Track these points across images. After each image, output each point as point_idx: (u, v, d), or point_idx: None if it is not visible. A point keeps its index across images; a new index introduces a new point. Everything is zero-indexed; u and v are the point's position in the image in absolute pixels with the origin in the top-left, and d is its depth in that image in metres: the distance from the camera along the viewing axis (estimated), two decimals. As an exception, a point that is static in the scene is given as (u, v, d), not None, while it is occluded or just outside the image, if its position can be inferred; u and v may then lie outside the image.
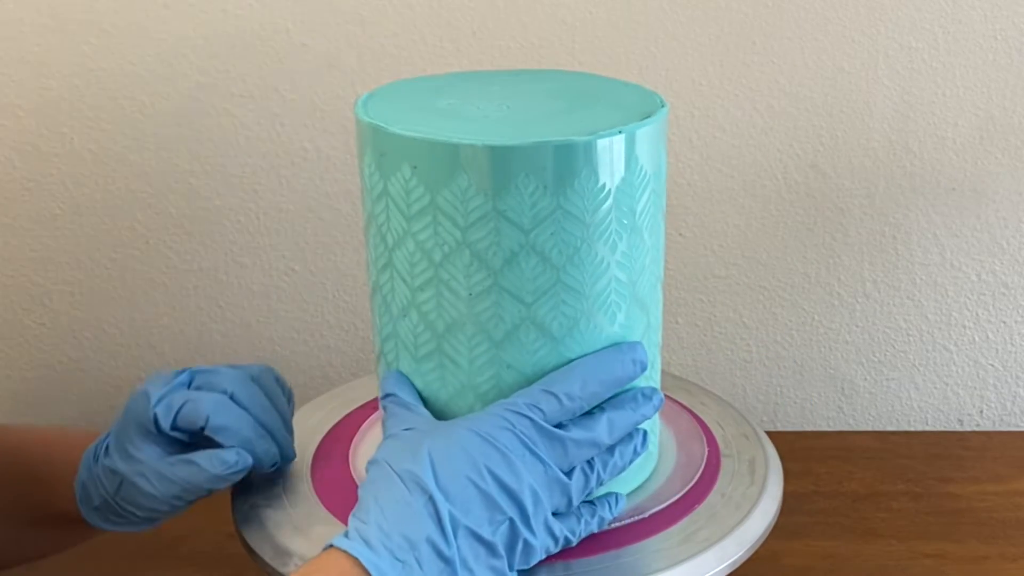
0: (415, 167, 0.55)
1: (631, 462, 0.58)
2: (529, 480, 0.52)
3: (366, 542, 0.50)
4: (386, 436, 0.57)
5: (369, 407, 0.72)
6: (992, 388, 1.03)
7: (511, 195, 0.55)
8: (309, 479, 0.65)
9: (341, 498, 0.63)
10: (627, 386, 0.58)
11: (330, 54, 0.93)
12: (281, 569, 0.59)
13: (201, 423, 0.60)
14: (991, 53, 0.93)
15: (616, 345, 0.58)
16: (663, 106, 0.59)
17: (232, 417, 0.60)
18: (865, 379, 1.03)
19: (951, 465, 0.93)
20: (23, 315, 1.00)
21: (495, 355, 0.58)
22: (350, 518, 0.52)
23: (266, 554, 0.60)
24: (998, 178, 0.96)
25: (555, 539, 0.54)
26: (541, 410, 0.54)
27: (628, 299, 0.59)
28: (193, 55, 0.93)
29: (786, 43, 0.92)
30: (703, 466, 0.66)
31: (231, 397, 0.61)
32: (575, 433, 0.55)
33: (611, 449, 0.57)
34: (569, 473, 0.55)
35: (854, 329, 1.01)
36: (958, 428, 1.04)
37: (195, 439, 0.61)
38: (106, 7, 0.91)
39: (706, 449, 0.67)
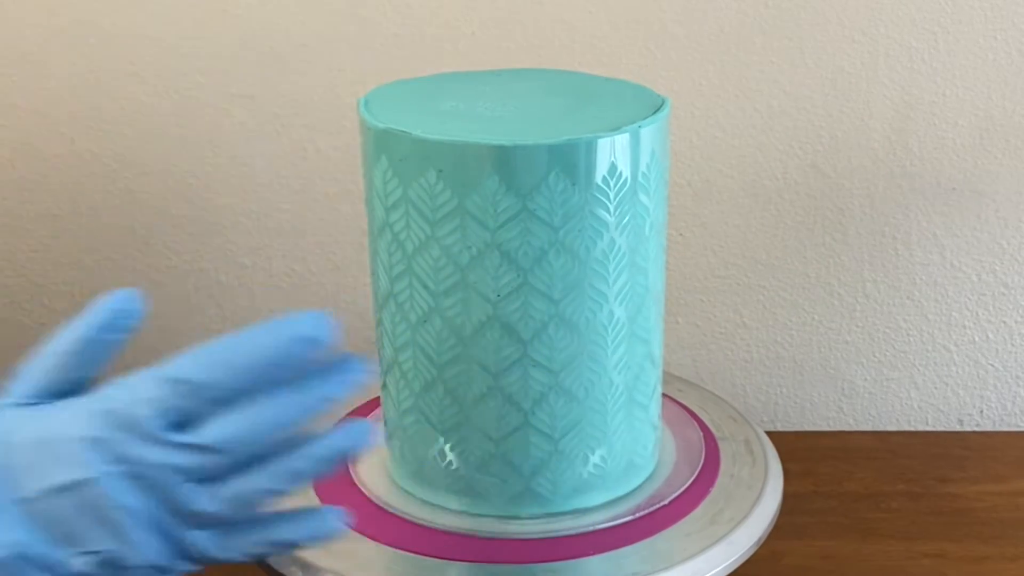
0: (440, 171, 0.55)
1: None
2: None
3: None
4: None
5: (369, 408, 0.72)
6: (992, 388, 1.03)
7: (542, 194, 0.55)
8: (308, 480, 0.65)
9: (340, 498, 0.63)
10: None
11: (330, 54, 0.93)
12: (283, 572, 0.59)
13: None
14: (991, 53, 0.92)
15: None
16: (665, 101, 0.60)
17: None
18: (865, 379, 1.03)
19: (951, 465, 0.93)
20: (23, 315, 1.00)
21: (523, 354, 0.58)
22: None
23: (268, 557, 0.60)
24: (998, 178, 0.96)
25: None
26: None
27: (645, 291, 0.59)
28: (193, 55, 0.93)
29: (786, 43, 0.92)
30: (703, 450, 0.68)
31: None
32: None
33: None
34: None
35: (854, 329, 1.01)
36: (958, 428, 1.04)
37: None
38: (106, 7, 0.91)
39: (700, 433, 0.69)
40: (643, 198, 0.58)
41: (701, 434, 0.70)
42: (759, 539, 0.61)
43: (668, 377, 0.69)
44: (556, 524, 0.60)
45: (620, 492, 0.63)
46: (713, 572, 0.58)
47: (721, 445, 0.69)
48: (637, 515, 0.61)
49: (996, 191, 0.96)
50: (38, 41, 0.92)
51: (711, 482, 0.65)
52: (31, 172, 0.95)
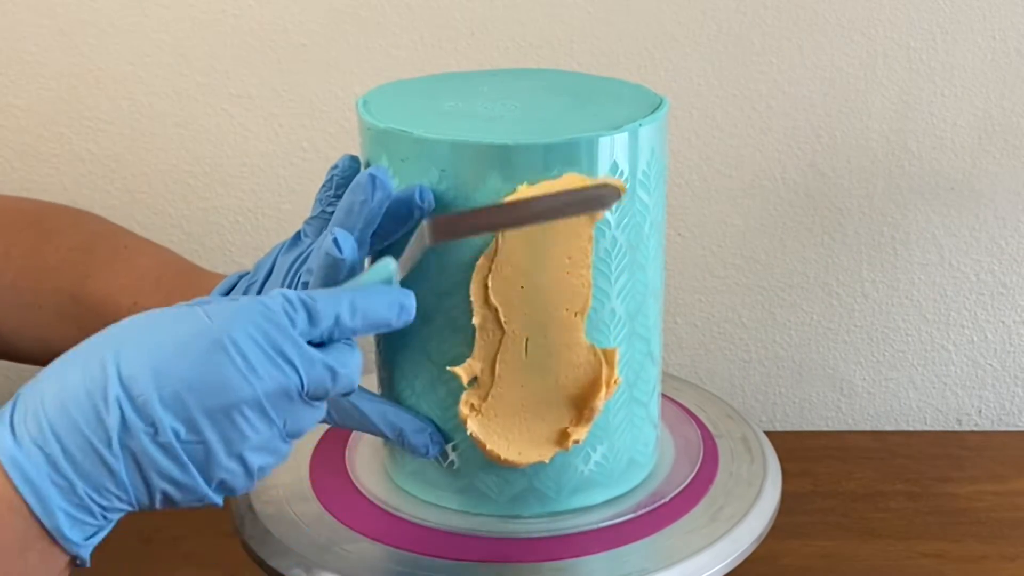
0: (443, 170, 0.56)
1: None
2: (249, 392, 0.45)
3: (11, 429, 0.44)
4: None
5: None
6: (990, 388, 1.03)
7: None
8: (307, 478, 0.65)
9: (340, 499, 0.63)
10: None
11: (329, 54, 0.93)
12: (283, 571, 0.59)
13: None
14: (990, 53, 0.93)
15: (388, 285, 0.51)
16: (663, 100, 0.60)
17: None
18: (864, 379, 1.03)
19: (949, 465, 0.93)
20: (22, 315, 1.00)
21: None
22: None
23: (267, 555, 0.60)
24: (997, 178, 0.96)
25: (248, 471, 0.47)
26: (294, 321, 0.47)
27: (645, 289, 0.60)
28: (192, 55, 0.93)
29: (785, 43, 0.93)
30: (702, 448, 0.68)
31: None
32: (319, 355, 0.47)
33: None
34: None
35: (852, 329, 1.01)
36: (956, 428, 1.04)
37: None
38: (106, 7, 0.91)
39: (698, 432, 0.69)
40: (643, 196, 0.58)
41: (699, 432, 0.70)
42: (760, 535, 0.61)
43: (665, 376, 0.69)
44: (558, 523, 0.60)
45: (621, 490, 0.63)
46: (716, 568, 0.58)
47: (719, 443, 0.69)
48: (639, 513, 0.61)
49: (995, 191, 0.96)
50: (38, 41, 0.92)
51: (711, 479, 0.65)
52: (31, 172, 0.96)
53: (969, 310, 1.00)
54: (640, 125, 0.57)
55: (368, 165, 0.60)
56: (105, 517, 0.45)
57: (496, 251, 0.56)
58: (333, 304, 0.48)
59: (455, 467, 0.61)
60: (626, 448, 0.62)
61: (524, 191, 0.54)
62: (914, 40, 0.92)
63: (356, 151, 0.61)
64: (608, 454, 0.61)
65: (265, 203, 0.97)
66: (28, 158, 0.95)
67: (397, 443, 0.61)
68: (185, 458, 0.45)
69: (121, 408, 0.44)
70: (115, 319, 0.63)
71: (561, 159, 0.55)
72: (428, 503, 0.63)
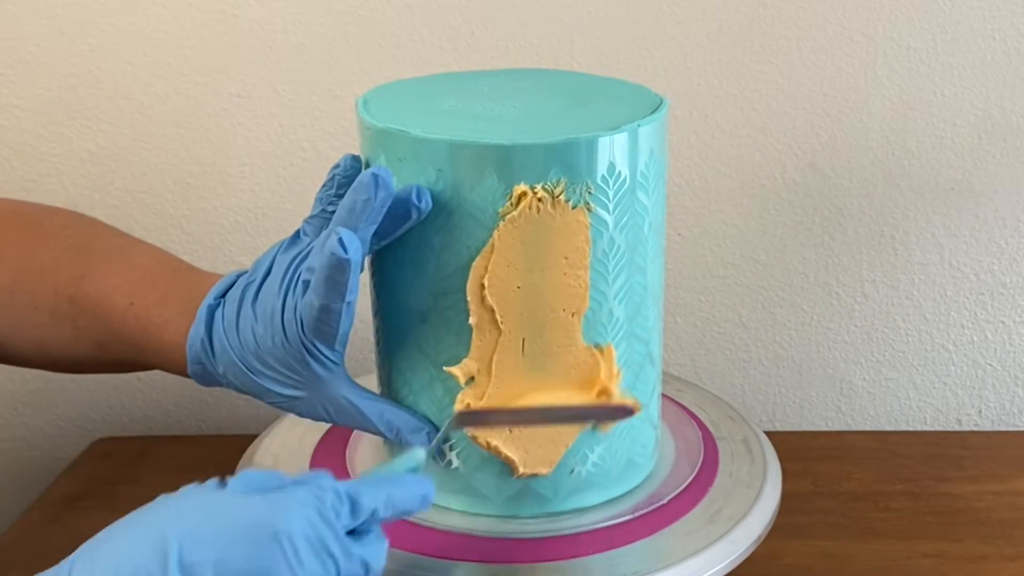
0: (440, 170, 0.56)
1: None
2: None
3: None
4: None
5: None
6: (991, 388, 1.03)
7: None
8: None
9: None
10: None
11: (328, 54, 0.93)
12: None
13: None
14: (989, 53, 0.93)
15: (415, 476, 0.54)
16: (663, 100, 0.60)
17: None
18: (864, 379, 1.03)
19: (950, 465, 0.93)
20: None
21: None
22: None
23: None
24: (996, 178, 0.96)
25: None
26: (339, 514, 0.50)
27: (644, 290, 0.60)
28: (191, 55, 0.93)
29: (784, 43, 0.92)
30: (702, 449, 0.68)
31: None
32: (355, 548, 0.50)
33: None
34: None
35: (853, 329, 1.01)
36: (957, 428, 1.04)
37: None
38: (105, 7, 0.91)
39: (698, 433, 0.69)
40: (642, 197, 0.58)
41: (700, 433, 0.70)
42: (759, 537, 0.61)
43: (666, 377, 0.69)
44: (556, 523, 0.60)
45: (619, 491, 0.63)
46: (713, 571, 0.58)
47: (720, 444, 0.69)
48: (637, 514, 0.61)
49: (995, 191, 0.96)
50: (38, 41, 0.92)
51: (710, 481, 0.65)
52: (31, 172, 0.96)
53: (969, 310, 1.00)
54: (640, 125, 0.57)
55: (367, 164, 0.60)
56: None
57: (493, 251, 0.56)
58: (373, 499, 0.50)
59: (453, 467, 0.61)
60: (624, 449, 0.62)
61: (548, 397, 0.59)
62: (914, 40, 0.92)
63: (356, 151, 0.62)
64: (606, 455, 0.61)
65: (265, 203, 0.97)
66: (28, 158, 0.95)
67: (395, 442, 0.61)
68: None
69: None
70: (111, 319, 0.63)
71: (560, 159, 0.55)
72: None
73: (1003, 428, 1.04)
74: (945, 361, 1.02)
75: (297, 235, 0.61)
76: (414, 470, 0.54)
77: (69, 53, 0.92)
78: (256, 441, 0.71)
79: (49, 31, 0.92)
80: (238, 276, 0.62)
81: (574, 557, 0.58)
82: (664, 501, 0.62)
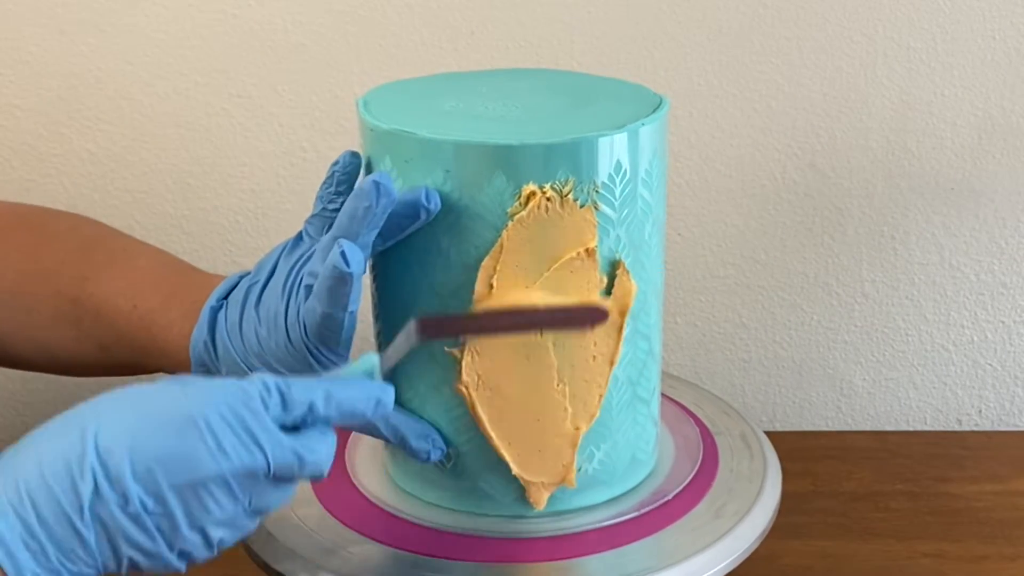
0: (448, 171, 0.56)
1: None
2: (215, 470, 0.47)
3: None
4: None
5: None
6: (991, 388, 1.03)
7: None
8: (309, 482, 0.65)
9: (342, 500, 0.63)
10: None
11: (328, 54, 0.93)
12: (281, 569, 0.59)
13: None
14: (990, 53, 0.93)
15: (365, 379, 0.52)
16: (663, 99, 0.60)
17: None
18: (864, 379, 1.03)
19: (950, 465, 0.93)
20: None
21: None
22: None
23: (267, 555, 0.60)
24: (997, 178, 0.96)
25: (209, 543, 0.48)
26: (267, 405, 0.48)
27: (647, 288, 0.60)
28: (191, 55, 0.93)
29: (784, 43, 0.93)
30: (701, 445, 0.69)
31: None
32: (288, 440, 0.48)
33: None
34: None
35: (853, 329, 1.01)
36: (957, 428, 1.04)
37: None
38: (105, 7, 0.91)
39: (696, 429, 0.69)
40: (646, 195, 0.58)
41: (697, 430, 0.70)
42: (764, 531, 0.62)
43: (662, 375, 0.69)
44: (562, 522, 0.61)
45: (623, 489, 0.63)
46: (722, 565, 0.58)
47: (718, 440, 0.70)
48: (642, 511, 0.62)
49: (994, 191, 0.96)
50: (38, 41, 0.92)
51: (712, 476, 0.65)
52: (31, 172, 0.95)
53: (969, 310, 1.00)
54: (644, 124, 0.57)
55: (370, 165, 0.60)
56: None
57: (501, 251, 0.56)
58: (308, 392, 0.49)
59: (459, 468, 0.61)
60: (629, 446, 0.62)
61: (511, 297, 0.56)
62: (914, 40, 0.92)
63: (356, 151, 0.62)
64: (611, 452, 0.61)
65: (265, 203, 0.97)
66: (28, 158, 0.95)
67: (399, 447, 0.61)
68: (152, 528, 0.46)
69: (95, 479, 0.45)
70: (114, 321, 0.63)
71: (568, 159, 0.55)
72: (430, 504, 0.63)
73: (1003, 428, 1.04)
74: (945, 361, 1.02)
75: (300, 237, 0.61)
76: (368, 374, 0.52)
77: (69, 53, 0.92)
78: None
79: (49, 31, 0.92)
80: (241, 277, 0.62)
81: (583, 556, 0.58)
82: (669, 497, 0.63)
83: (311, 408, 0.49)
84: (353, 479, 0.65)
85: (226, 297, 0.61)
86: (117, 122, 0.94)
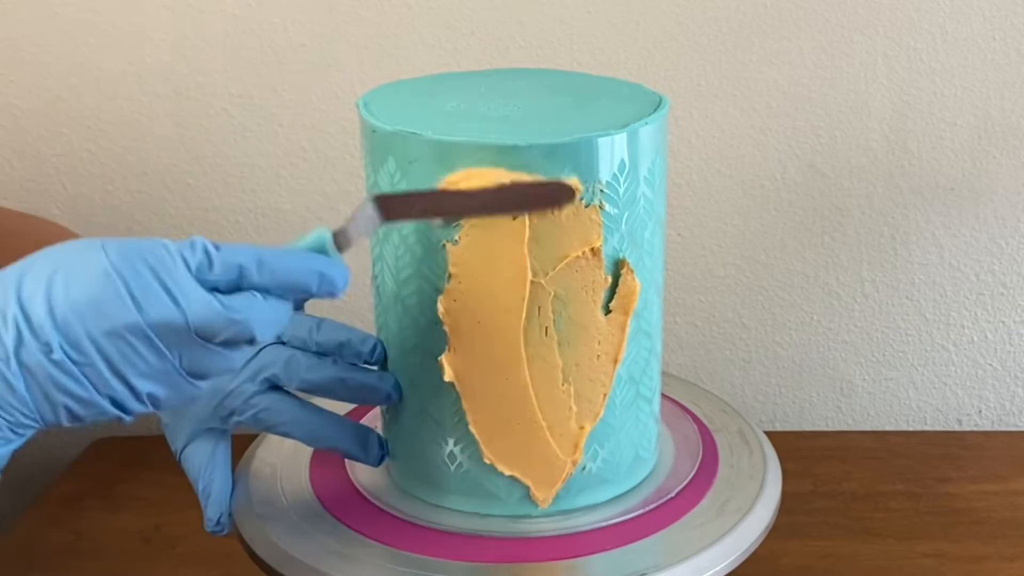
0: (453, 171, 0.56)
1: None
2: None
3: None
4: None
5: (366, 406, 0.72)
6: (991, 388, 1.03)
7: None
8: (307, 479, 0.65)
9: (339, 497, 0.63)
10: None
11: (328, 54, 0.93)
12: (281, 570, 0.59)
13: None
14: (990, 53, 0.93)
15: (310, 252, 0.50)
16: (664, 98, 0.60)
17: None
18: (864, 379, 1.03)
19: (950, 465, 0.93)
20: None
21: None
22: None
23: (265, 554, 0.60)
24: (996, 178, 0.96)
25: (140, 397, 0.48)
26: (188, 262, 0.48)
27: (649, 287, 0.60)
28: (192, 55, 0.93)
29: (784, 43, 0.93)
30: (700, 443, 0.69)
31: None
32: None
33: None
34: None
35: (853, 329, 1.01)
36: (957, 428, 1.04)
37: None
38: (106, 7, 0.91)
39: (695, 427, 0.69)
40: (648, 194, 0.58)
41: (696, 427, 0.71)
42: (768, 526, 0.62)
43: (664, 376, 0.70)
44: (567, 521, 0.60)
45: (627, 487, 0.63)
46: (729, 560, 0.58)
47: (716, 437, 0.70)
48: (647, 509, 0.62)
49: (994, 191, 0.96)
50: (38, 41, 0.92)
51: (713, 473, 0.65)
52: (31, 172, 0.96)
53: (969, 310, 1.00)
54: (645, 124, 0.57)
55: (371, 166, 0.60)
56: (14, 432, 0.48)
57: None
58: (237, 255, 0.48)
59: (463, 469, 0.61)
60: (632, 444, 0.62)
61: (468, 176, 0.54)
62: (914, 40, 0.92)
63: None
64: (615, 451, 0.61)
65: (265, 203, 0.97)
66: (28, 158, 0.95)
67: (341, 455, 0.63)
68: (79, 375, 0.46)
69: (18, 327, 0.46)
70: None
71: (573, 158, 0.55)
72: (433, 505, 0.63)
73: (1003, 428, 1.04)
74: (945, 361, 1.02)
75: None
76: (316, 248, 0.50)
77: (69, 53, 0.92)
78: (253, 445, 0.71)
79: (49, 31, 0.92)
80: None
81: (589, 554, 0.58)
82: (672, 495, 0.63)
83: (242, 272, 0.48)
84: (353, 479, 0.65)
85: None
86: (117, 122, 0.94)
